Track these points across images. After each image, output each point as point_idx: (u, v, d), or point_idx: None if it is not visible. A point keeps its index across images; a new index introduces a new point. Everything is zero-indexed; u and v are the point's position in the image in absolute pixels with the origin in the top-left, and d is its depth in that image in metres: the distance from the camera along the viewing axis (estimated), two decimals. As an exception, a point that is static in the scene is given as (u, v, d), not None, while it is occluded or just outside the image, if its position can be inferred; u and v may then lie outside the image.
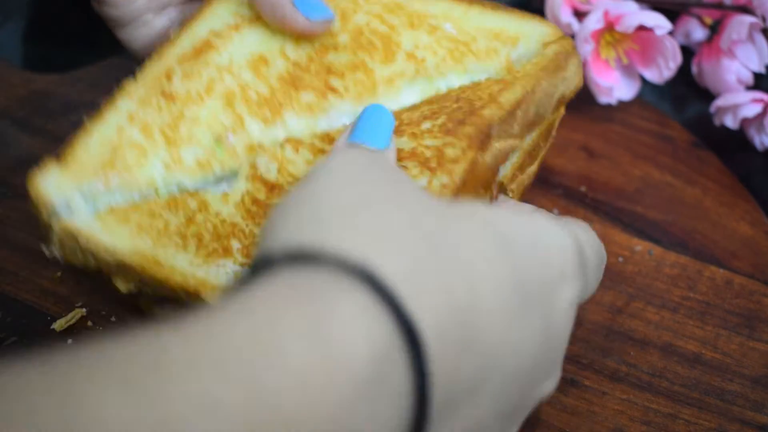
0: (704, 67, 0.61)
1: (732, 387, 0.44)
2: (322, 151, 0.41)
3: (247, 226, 0.39)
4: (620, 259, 0.50)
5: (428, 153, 0.39)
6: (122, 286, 0.39)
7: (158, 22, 0.48)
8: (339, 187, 0.30)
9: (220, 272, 0.38)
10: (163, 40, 0.46)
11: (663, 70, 0.59)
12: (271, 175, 0.40)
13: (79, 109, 0.49)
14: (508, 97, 0.41)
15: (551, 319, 0.32)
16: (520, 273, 0.31)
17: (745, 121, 0.59)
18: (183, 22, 0.46)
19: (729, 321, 0.47)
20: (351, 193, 0.30)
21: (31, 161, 0.42)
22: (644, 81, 0.60)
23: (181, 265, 0.38)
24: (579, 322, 0.46)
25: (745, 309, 0.48)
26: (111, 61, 0.61)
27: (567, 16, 0.60)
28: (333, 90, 0.43)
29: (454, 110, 0.41)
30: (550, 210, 0.47)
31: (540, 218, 0.34)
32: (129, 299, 0.41)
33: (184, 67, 0.43)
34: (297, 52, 0.44)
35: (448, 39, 0.45)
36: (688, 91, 0.64)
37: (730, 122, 0.58)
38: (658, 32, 0.56)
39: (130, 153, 0.41)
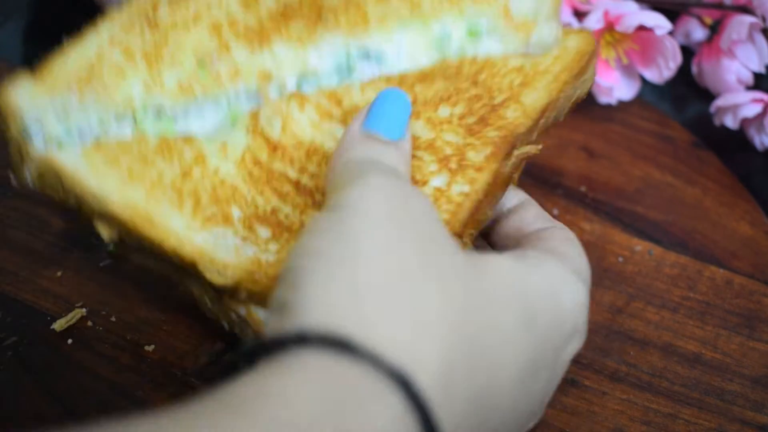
0: (704, 67, 0.61)
1: (732, 387, 0.44)
2: (329, 115, 0.39)
3: (249, 192, 0.38)
4: (620, 259, 0.50)
5: (448, 150, 0.38)
6: (104, 232, 0.37)
7: None
8: (373, 250, 0.29)
9: (219, 243, 0.36)
10: None
11: (663, 70, 0.59)
12: (274, 132, 0.39)
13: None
14: (531, 101, 0.40)
15: (554, 372, 0.34)
16: (539, 344, 0.32)
17: (745, 121, 0.59)
18: None
19: (729, 321, 0.47)
20: (386, 263, 0.29)
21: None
22: (644, 81, 0.60)
23: (176, 227, 0.36)
24: (579, 322, 0.46)
25: (745, 309, 0.48)
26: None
27: (567, 16, 0.60)
28: (323, 22, 0.42)
29: (473, 98, 0.40)
30: (550, 210, 0.47)
31: (560, 271, 0.35)
32: (104, 248, 0.39)
33: None
34: None
35: None
36: (688, 91, 0.64)
37: (730, 122, 0.58)
38: (658, 32, 0.56)
39: (108, 71, 0.39)
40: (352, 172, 0.33)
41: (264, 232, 0.37)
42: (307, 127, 0.39)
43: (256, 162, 0.38)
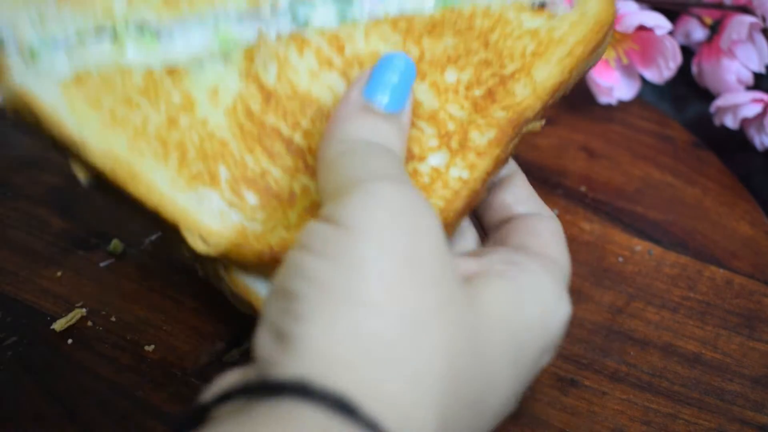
0: (704, 67, 0.61)
1: (732, 387, 0.44)
2: (329, 63, 0.38)
3: (238, 150, 0.36)
4: (620, 259, 0.50)
5: (451, 125, 0.37)
6: (80, 173, 0.35)
7: None
8: (380, 294, 0.28)
9: (204, 205, 0.35)
10: None
11: (663, 70, 0.59)
12: (269, 78, 0.37)
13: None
14: (542, 78, 0.38)
15: (529, 382, 0.34)
16: (522, 375, 0.33)
17: (745, 121, 0.59)
18: None
19: (729, 321, 0.47)
20: (393, 310, 0.28)
21: (31, 161, 0.41)
22: (644, 81, 0.60)
23: (160, 183, 0.34)
24: (579, 322, 0.46)
25: (745, 309, 0.48)
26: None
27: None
28: None
29: (482, 63, 0.39)
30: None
31: (550, 291, 0.35)
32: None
33: None
34: None
35: None
36: (688, 91, 0.64)
37: (730, 122, 0.58)
38: (658, 32, 0.56)
39: None
40: (352, 168, 0.32)
41: (251, 197, 0.36)
42: (304, 75, 0.38)
43: (248, 113, 0.37)
